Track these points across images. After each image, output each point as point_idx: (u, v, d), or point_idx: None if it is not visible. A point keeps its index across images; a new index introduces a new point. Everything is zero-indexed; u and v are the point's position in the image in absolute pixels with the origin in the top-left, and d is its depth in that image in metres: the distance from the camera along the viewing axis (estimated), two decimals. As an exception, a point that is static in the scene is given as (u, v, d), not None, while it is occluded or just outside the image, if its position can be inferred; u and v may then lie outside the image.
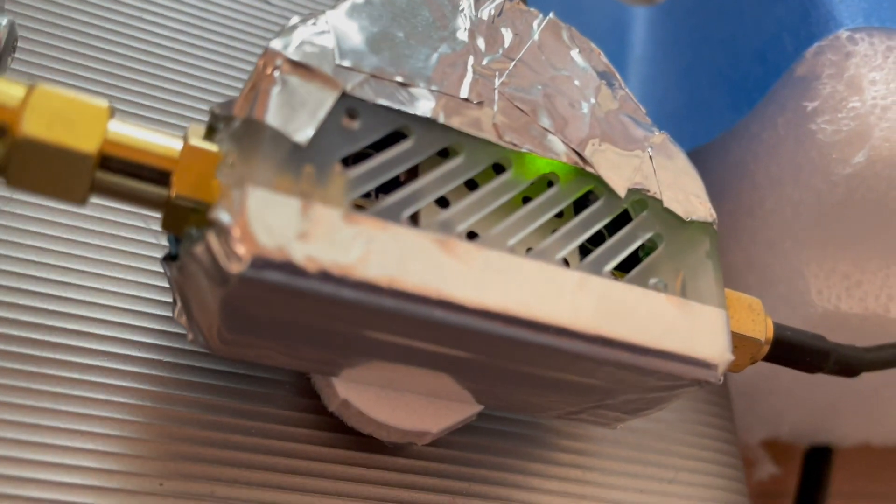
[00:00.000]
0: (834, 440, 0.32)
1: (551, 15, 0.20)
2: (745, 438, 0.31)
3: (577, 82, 0.19)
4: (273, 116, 0.14)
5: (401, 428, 0.17)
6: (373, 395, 0.17)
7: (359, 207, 0.16)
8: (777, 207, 0.24)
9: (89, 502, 0.16)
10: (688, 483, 0.22)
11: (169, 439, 0.17)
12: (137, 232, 0.19)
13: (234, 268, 0.13)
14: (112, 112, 0.14)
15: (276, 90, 0.14)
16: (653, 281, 0.17)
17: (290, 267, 0.13)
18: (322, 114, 0.15)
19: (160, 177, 0.14)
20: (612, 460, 0.21)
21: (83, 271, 0.18)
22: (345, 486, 0.18)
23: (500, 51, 0.18)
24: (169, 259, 0.16)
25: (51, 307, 0.17)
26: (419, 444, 0.18)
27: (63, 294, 0.17)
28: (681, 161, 0.19)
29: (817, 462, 0.33)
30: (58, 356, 0.17)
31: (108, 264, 0.18)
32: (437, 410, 0.18)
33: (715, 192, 0.28)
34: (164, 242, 0.19)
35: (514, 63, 0.18)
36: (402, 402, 0.17)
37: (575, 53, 0.19)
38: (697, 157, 0.29)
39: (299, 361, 0.16)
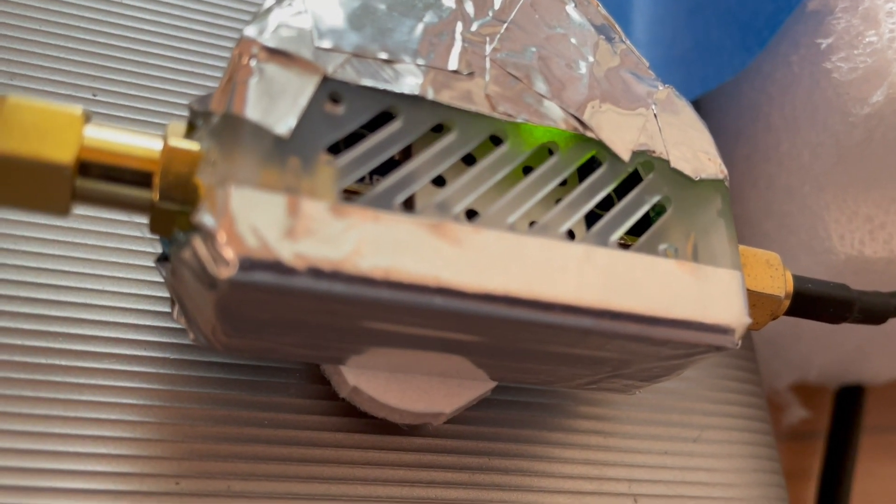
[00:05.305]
0: (864, 380, 0.31)
1: (543, -31, 0.19)
2: (773, 384, 0.30)
3: (573, 40, 0.18)
4: (252, 109, 0.14)
5: (414, 411, 0.17)
6: (383, 380, 0.17)
7: (353, 193, 0.15)
8: (794, 150, 0.23)
9: (107, 507, 0.16)
10: (713, 441, 0.21)
11: (182, 437, 0.17)
12: (133, 228, 0.18)
13: (223, 272, 0.13)
14: (87, 117, 0.14)
15: (253, 81, 0.14)
16: (662, 247, 0.16)
17: (279, 267, 0.13)
18: (303, 101, 0.14)
19: (142, 179, 0.14)
20: (633, 424, 0.21)
21: (82, 273, 0.17)
22: (361, 470, 0.18)
23: (491, 13, 0.17)
24: (162, 260, 0.15)
25: (52, 313, 0.17)
26: (434, 425, 0.18)
27: (64, 298, 0.17)
28: (687, 115, 0.18)
29: (849, 400, 0.32)
30: (63, 362, 0.17)
31: (106, 264, 0.18)
32: (449, 390, 0.17)
33: (729, 137, 0.27)
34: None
35: (505, 25, 0.17)
36: (413, 384, 0.17)
37: (570, 8, 0.19)
38: (710, 101, 0.28)
39: (304, 354, 0.16)
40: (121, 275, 0.18)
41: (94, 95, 0.20)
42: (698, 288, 0.16)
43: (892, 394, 0.35)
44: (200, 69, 0.21)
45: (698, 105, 0.29)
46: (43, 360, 0.16)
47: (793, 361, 0.28)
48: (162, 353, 0.17)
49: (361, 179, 0.16)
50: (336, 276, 0.13)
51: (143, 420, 0.17)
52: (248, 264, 0.13)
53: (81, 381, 0.16)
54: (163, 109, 0.20)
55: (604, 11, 0.19)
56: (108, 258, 0.18)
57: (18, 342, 0.16)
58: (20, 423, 0.16)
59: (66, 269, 0.17)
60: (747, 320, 0.16)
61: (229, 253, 0.13)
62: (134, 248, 0.18)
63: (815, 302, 0.19)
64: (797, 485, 0.32)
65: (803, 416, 0.30)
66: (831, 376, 0.31)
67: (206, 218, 0.13)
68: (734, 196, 0.26)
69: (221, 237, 0.13)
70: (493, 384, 0.18)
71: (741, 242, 0.26)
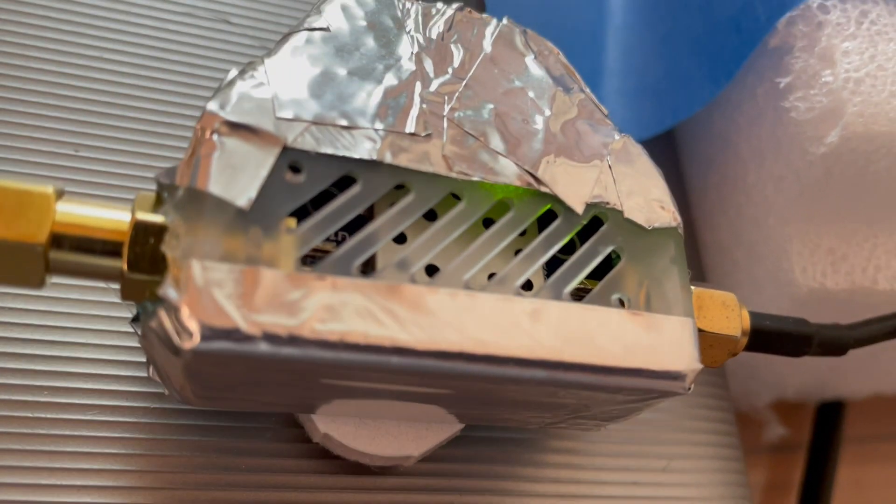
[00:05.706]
0: (844, 395, 0.32)
1: (504, 20, 0.20)
2: (752, 402, 0.31)
3: (531, 94, 0.18)
4: (214, 184, 0.14)
5: (383, 455, 0.18)
6: (352, 426, 0.18)
7: (322, 252, 0.16)
8: (759, 182, 0.24)
9: (91, 554, 0.16)
10: (682, 470, 0.22)
11: (164, 485, 0.17)
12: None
13: (186, 344, 0.13)
14: (59, 194, 0.14)
15: (215, 155, 0.15)
16: (615, 296, 0.17)
17: (238, 335, 0.13)
18: (264, 173, 0.15)
19: (113, 249, 0.15)
20: (603, 455, 0.21)
21: (66, 328, 0.18)
22: (336, 511, 0.18)
23: (450, 70, 0.18)
24: (137, 320, 0.16)
25: (38, 367, 0.18)
26: (405, 466, 0.19)
27: (49, 353, 0.18)
28: (642, 164, 0.19)
29: (829, 414, 0.33)
30: (49, 415, 0.17)
31: (89, 317, 0.19)
32: (418, 433, 0.18)
33: (702, 164, 0.27)
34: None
35: (464, 83, 0.18)
36: (382, 429, 0.18)
37: (530, 60, 0.19)
38: (684, 127, 0.29)
39: (275, 406, 0.17)
40: (103, 327, 0.19)
41: (77, 151, 0.20)
42: (649, 337, 0.17)
43: (875, 405, 0.35)
44: (182, 120, 0.22)
45: (673, 130, 0.30)
46: (29, 414, 0.17)
47: (768, 382, 0.29)
48: (143, 402, 0.18)
49: (330, 239, 0.17)
50: (293, 341, 0.14)
51: (125, 469, 0.17)
52: (208, 334, 0.13)
53: (66, 432, 0.17)
54: (145, 163, 0.21)
55: (564, 60, 0.20)
56: (91, 312, 0.19)
57: (4, 396, 0.17)
58: (7, 476, 0.17)
59: (51, 323, 0.18)
60: (698, 366, 0.17)
61: (192, 325, 0.13)
62: (116, 300, 0.19)
63: (773, 338, 0.19)
64: (778, 497, 0.33)
65: (782, 434, 0.31)
66: (810, 394, 0.31)
67: (169, 291, 0.14)
68: (706, 222, 0.27)
69: (184, 311, 0.13)
70: (460, 426, 0.19)
71: (713, 269, 0.27)
